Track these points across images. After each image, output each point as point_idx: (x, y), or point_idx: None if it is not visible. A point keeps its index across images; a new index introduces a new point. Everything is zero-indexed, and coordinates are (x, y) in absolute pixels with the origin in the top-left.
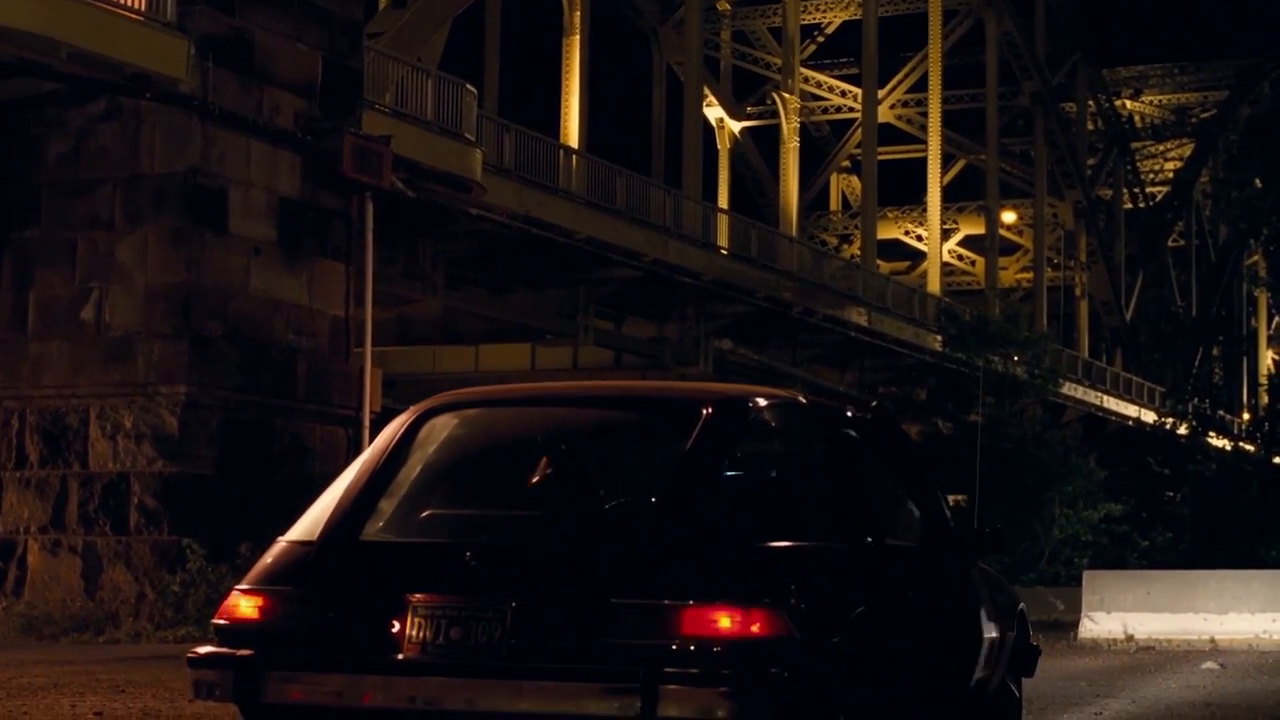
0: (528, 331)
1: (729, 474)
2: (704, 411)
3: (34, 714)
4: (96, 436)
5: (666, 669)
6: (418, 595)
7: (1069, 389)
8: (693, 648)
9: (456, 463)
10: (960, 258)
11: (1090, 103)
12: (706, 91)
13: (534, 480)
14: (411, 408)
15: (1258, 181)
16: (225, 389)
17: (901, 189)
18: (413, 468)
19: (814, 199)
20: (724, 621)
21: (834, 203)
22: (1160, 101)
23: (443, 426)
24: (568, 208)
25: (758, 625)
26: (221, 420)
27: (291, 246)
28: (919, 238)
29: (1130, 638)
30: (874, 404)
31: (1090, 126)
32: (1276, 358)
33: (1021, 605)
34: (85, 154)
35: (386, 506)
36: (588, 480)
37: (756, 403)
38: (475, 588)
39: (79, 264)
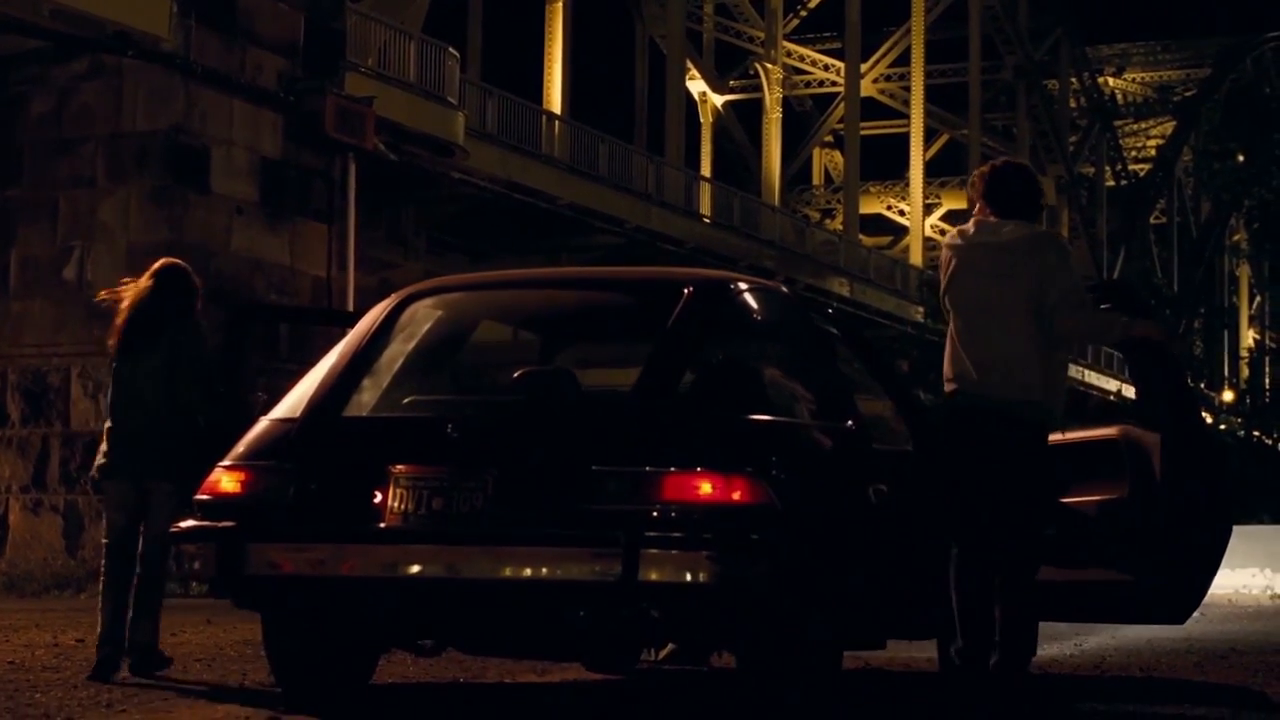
0: None
1: (712, 350)
2: (686, 291)
3: (15, 644)
4: (78, 395)
5: (648, 534)
6: (399, 466)
7: None
8: (674, 514)
9: (437, 346)
10: (942, 232)
11: (1073, 79)
12: (689, 65)
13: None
14: (393, 294)
15: (1240, 156)
16: (207, 348)
17: (884, 164)
18: (394, 351)
19: (796, 174)
20: (705, 488)
21: (817, 177)
22: (1143, 79)
23: (424, 311)
24: (550, 173)
25: (739, 492)
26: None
27: (274, 206)
28: (901, 212)
29: None
30: None
31: (1073, 103)
32: (1257, 337)
33: None
34: (67, 112)
35: (369, 387)
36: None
37: (738, 285)
38: (457, 458)
39: (61, 222)
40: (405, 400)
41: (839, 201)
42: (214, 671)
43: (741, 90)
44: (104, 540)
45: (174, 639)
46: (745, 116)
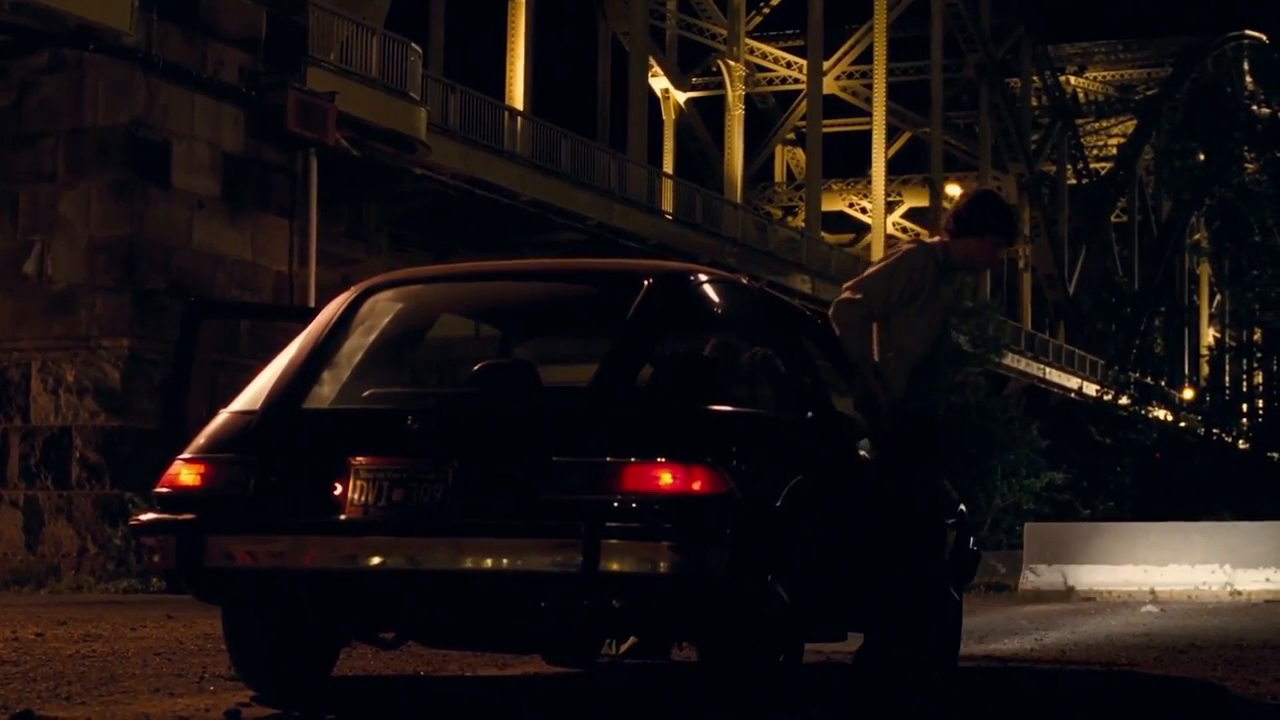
0: None
1: (672, 341)
2: (646, 283)
3: None
4: (38, 390)
5: (608, 524)
6: (360, 458)
7: (1011, 360)
8: (634, 504)
9: (398, 338)
10: (904, 230)
11: (1035, 78)
12: (652, 61)
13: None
14: (353, 286)
15: (1200, 155)
16: (168, 343)
17: (846, 161)
18: (354, 343)
19: (759, 171)
20: (665, 478)
21: (779, 174)
22: (1104, 78)
23: (384, 303)
24: (512, 169)
25: (699, 482)
26: (164, 374)
27: (235, 201)
28: (863, 210)
29: (1071, 589)
30: None
31: (1034, 102)
32: (1217, 335)
33: (961, 507)
34: (28, 106)
35: (328, 379)
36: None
37: (698, 277)
38: (417, 449)
39: (21, 217)
40: (365, 393)
41: (801, 199)
42: (174, 665)
43: (704, 87)
44: None
45: (133, 633)
46: (708, 113)
